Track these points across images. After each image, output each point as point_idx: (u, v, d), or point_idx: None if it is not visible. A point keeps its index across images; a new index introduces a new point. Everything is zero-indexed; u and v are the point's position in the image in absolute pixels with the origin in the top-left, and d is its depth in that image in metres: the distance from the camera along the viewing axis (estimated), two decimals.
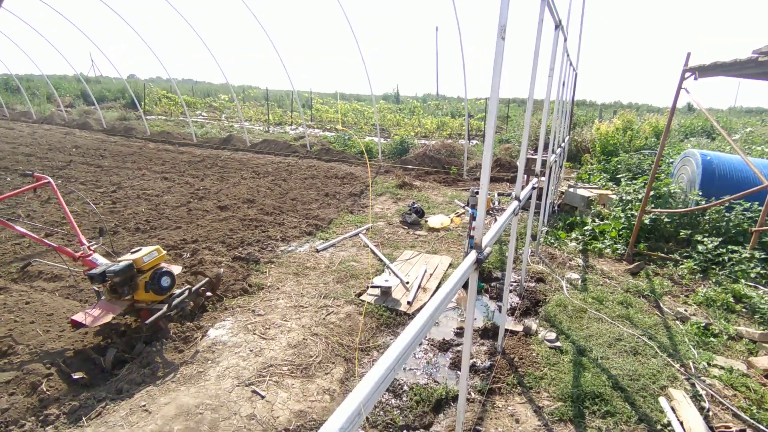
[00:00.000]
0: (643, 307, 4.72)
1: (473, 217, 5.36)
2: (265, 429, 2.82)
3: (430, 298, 4.76)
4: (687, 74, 5.33)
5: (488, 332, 4.22)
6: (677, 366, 3.66)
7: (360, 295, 4.81)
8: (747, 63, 4.11)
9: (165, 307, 3.47)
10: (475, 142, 19.03)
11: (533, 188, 4.72)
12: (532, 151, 9.37)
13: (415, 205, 7.71)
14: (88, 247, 3.81)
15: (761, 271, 5.39)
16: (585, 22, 9.74)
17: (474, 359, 3.78)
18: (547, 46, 4.47)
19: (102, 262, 3.72)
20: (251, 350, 3.64)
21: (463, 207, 8.61)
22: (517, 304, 4.86)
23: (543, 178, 5.97)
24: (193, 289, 3.85)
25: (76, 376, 3.16)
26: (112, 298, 3.49)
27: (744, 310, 4.74)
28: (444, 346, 4.01)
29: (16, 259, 5.44)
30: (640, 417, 3.08)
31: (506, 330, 4.24)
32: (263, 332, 3.92)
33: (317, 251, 6.09)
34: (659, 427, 3.01)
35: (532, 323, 4.31)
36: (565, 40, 5.67)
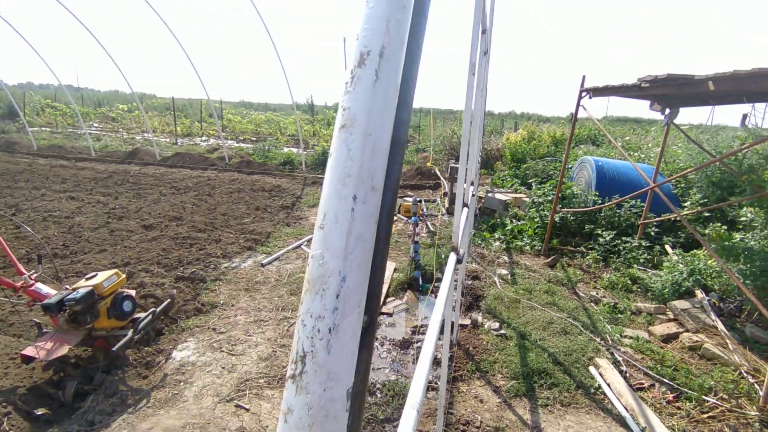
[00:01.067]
0: (564, 293, 5.48)
1: (416, 224, 5.78)
2: None
3: (382, 303, 5.00)
4: (584, 94, 6.29)
5: (442, 328, 4.62)
6: (598, 340, 4.37)
7: None
8: (632, 87, 5.03)
9: (130, 333, 3.36)
10: None
11: (473, 195, 5.25)
12: (453, 160, 10.13)
13: None
14: (29, 276, 3.53)
15: (647, 257, 6.51)
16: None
17: (435, 353, 4.15)
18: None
19: (47, 291, 3.48)
20: (223, 367, 3.65)
21: (396, 214, 9.07)
22: (461, 300, 5.35)
23: (473, 186, 6.60)
24: (158, 311, 3.74)
25: (39, 412, 2.96)
26: (69, 328, 3.28)
27: (639, 289, 5.71)
28: (404, 345, 4.33)
29: None
30: (578, 384, 3.67)
31: (458, 324, 4.69)
32: (231, 349, 3.93)
33: (262, 266, 6.09)
34: (593, 390, 3.62)
35: (477, 316, 4.82)
36: (486, 53, 6.37)
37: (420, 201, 5.70)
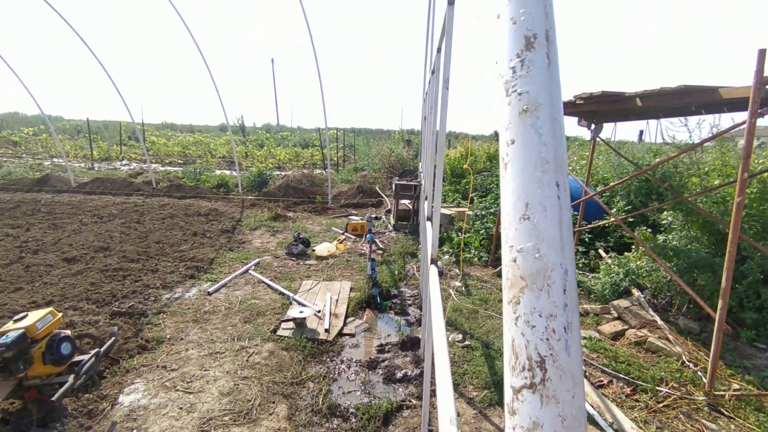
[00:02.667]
0: None
1: (372, 241, 5.73)
2: None
3: (344, 324, 4.91)
4: None
5: (406, 344, 4.58)
6: None
7: (275, 330, 4.71)
8: (567, 104, 5.43)
9: (71, 379, 2.94)
10: (331, 170, 19.69)
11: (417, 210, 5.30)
12: (397, 177, 10.28)
13: (301, 236, 7.77)
14: None
15: (585, 261, 6.97)
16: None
17: (404, 370, 4.09)
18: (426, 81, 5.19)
19: None
20: (181, 408, 3.31)
21: (343, 233, 8.96)
22: (420, 314, 5.35)
23: (427, 202, 6.69)
24: (102, 351, 3.32)
25: None
26: (6, 377, 2.81)
27: (582, 292, 6.07)
28: (372, 365, 4.22)
29: None
30: None
31: (419, 339, 4.67)
32: (187, 386, 3.58)
33: (209, 294, 5.69)
34: None
35: None
36: (446, 83, 6.57)
37: (374, 218, 5.67)
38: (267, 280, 6.16)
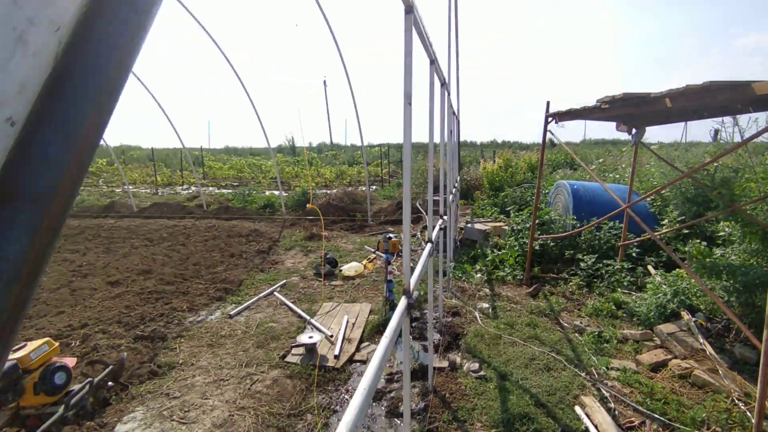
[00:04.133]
0: (547, 325, 5.22)
1: (388, 262, 5.54)
2: None
3: (356, 350, 4.75)
4: (549, 119, 6.26)
5: (417, 373, 4.31)
6: (583, 375, 4.09)
7: (284, 356, 4.63)
8: (593, 109, 4.99)
9: (61, 409, 3.01)
10: (374, 187, 19.76)
11: (441, 228, 5.06)
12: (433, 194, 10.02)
13: (328, 255, 7.73)
14: None
15: (631, 279, 6.31)
16: (462, 77, 10.99)
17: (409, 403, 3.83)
18: (436, 99, 4.99)
19: None
20: None
21: (374, 252, 8.83)
22: (439, 340, 5.06)
23: (446, 217, 6.43)
24: (95, 381, 3.40)
25: None
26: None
27: (624, 314, 5.48)
28: (377, 396, 4.00)
29: None
30: (563, 428, 3.36)
31: (435, 368, 4.39)
32: (182, 416, 3.57)
33: (230, 317, 5.76)
34: None
35: (456, 357, 4.52)
36: (449, 94, 6.36)
37: (390, 237, 5.48)
38: (288, 302, 6.14)
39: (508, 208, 9.38)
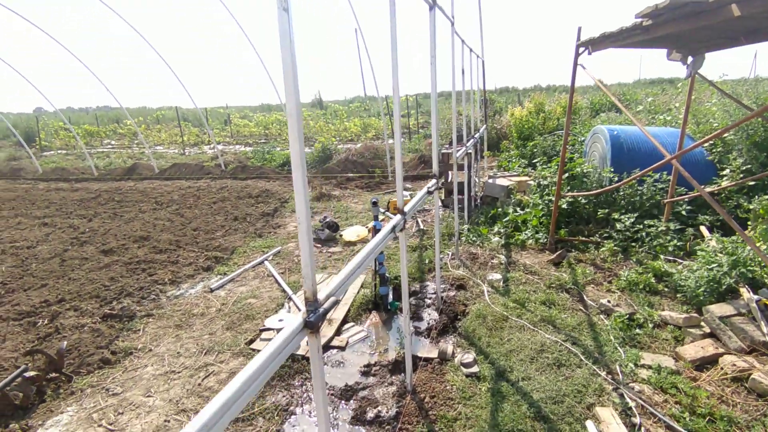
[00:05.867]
0: (567, 303, 4.34)
1: (376, 230, 4.76)
2: None
3: (335, 333, 4.08)
4: (581, 49, 5.05)
5: (399, 366, 3.63)
6: (603, 374, 3.25)
7: (251, 342, 4.06)
8: (633, 30, 3.80)
9: None
10: (404, 139, 18.67)
11: (436, 189, 4.18)
12: (448, 145, 8.99)
13: (327, 219, 7.05)
14: None
15: (677, 243, 5.23)
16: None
17: (379, 407, 3.17)
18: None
19: None
20: None
21: (383, 212, 8.06)
22: (435, 321, 4.32)
23: (458, 173, 5.51)
24: (0, 386, 2.95)
25: None
26: None
27: (666, 289, 4.49)
28: (346, 394, 3.36)
29: None
30: None
31: (419, 358, 3.69)
32: (113, 421, 3.08)
33: (211, 290, 5.26)
34: None
35: (449, 345, 3.77)
36: (452, 24, 5.24)
37: (376, 201, 4.66)
38: (276, 274, 5.56)
39: (536, 160, 8.23)
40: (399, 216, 2.95)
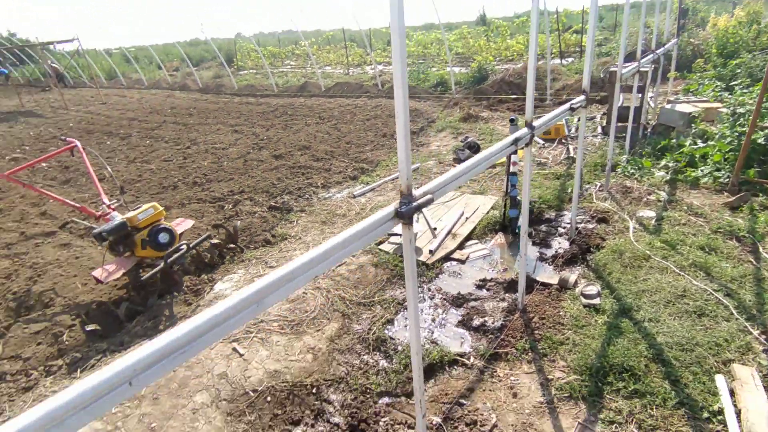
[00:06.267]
0: (732, 252, 3.67)
1: (513, 153, 4.55)
2: (234, 389, 2.75)
3: (457, 247, 4.25)
4: None
5: (514, 285, 3.64)
6: (756, 332, 2.77)
7: (380, 243, 4.47)
8: None
9: (162, 263, 3.53)
10: (571, 59, 16.60)
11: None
12: (615, 65, 7.72)
13: (469, 139, 6.95)
14: (108, 206, 3.97)
15: None
16: None
17: (486, 317, 3.29)
18: None
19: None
20: None
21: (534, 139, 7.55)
22: (564, 250, 4.12)
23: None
24: (192, 245, 3.86)
25: (89, 327, 3.40)
26: (113, 255, 3.64)
27: None
28: (458, 301, 3.55)
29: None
30: (681, 400, 2.39)
31: (537, 281, 3.63)
32: None
33: (354, 197, 5.82)
34: (705, 414, 2.31)
35: (572, 275, 3.61)
36: None
37: (514, 119, 4.38)
38: None
39: (735, 82, 6.55)
40: (526, 129, 2.80)
